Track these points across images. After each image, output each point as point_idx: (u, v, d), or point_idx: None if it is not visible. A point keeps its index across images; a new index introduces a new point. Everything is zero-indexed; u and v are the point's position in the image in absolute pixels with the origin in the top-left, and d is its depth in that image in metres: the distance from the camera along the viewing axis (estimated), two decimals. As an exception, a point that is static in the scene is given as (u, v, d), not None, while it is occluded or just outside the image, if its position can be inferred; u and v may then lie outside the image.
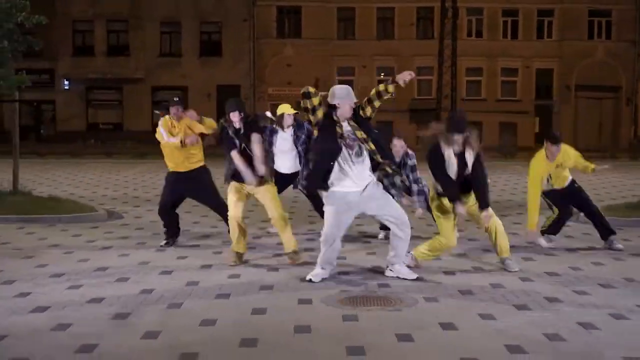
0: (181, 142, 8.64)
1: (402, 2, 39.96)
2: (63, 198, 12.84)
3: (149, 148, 31.87)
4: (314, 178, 7.02)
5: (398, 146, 8.81)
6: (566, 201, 9.15)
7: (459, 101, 37.30)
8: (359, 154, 6.84)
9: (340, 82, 38.96)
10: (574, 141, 38.65)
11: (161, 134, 8.81)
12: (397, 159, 8.59)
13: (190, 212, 11.67)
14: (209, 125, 8.84)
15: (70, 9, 38.81)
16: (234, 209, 7.81)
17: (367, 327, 5.50)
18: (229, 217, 7.93)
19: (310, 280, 6.94)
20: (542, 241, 9.04)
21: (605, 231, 9.10)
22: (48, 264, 7.81)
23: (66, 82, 39.62)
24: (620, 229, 10.11)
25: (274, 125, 9.48)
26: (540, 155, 8.77)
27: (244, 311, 5.93)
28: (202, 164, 9.01)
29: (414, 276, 7.04)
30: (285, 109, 9.48)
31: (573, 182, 9.12)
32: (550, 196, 9.12)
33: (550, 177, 8.87)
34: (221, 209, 8.69)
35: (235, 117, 7.72)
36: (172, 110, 8.80)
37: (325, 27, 39.94)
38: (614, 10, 40.63)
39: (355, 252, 8.52)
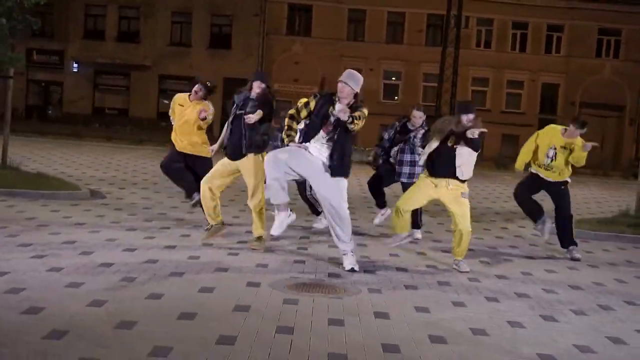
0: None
1: (413, 8, 40.17)
2: (50, 175, 13.12)
3: (150, 135, 32.53)
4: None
5: (417, 117, 9.52)
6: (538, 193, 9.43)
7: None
8: (331, 139, 7.25)
9: None
10: (574, 157, 38.92)
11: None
12: (413, 127, 9.50)
13: (172, 197, 11.97)
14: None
15: (84, -7, 39.27)
16: (211, 174, 8.16)
17: (304, 311, 5.78)
18: (201, 182, 8.19)
19: (272, 236, 7.94)
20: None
21: (568, 240, 9.33)
22: (19, 234, 8.11)
23: (75, 65, 39.96)
24: (585, 242, 10.42)
25: None
26: (557, 127, 9.33)
27: (191, 288, 6.23)
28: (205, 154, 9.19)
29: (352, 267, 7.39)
30: None
31: (565, 182, 9.25)
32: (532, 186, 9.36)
33: (555, 156, 9.03)
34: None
35: (256, 86, 8.01)
36: (195, 88, 9.07)
37: (336, 27, 40.19)
38: (623, 29, 40.75)
39: (317, 244, 8.80)
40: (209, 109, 8.85)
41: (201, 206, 8.45)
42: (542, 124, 42.04)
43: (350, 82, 7.25)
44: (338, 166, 7.21)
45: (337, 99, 7.22)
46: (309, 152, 7.32)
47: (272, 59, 40.40)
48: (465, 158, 7.66)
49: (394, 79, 41.17)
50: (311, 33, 40.51)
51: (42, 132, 26.94)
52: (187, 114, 9.01)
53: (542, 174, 9.22)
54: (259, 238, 8.16)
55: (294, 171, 7.30)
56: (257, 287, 6.41)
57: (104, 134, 29.23)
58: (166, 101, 40.66)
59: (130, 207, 10.88)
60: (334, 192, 7.28)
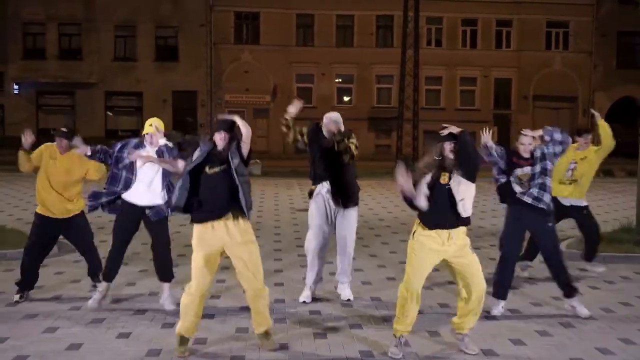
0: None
1: (361, 10, 39.61)
2: (8, 228, 11.98)
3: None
4: None
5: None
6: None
7: (419, 111, 37.04)
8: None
9: (299, 89, 39.40)
10: (532, 152, 38.89)
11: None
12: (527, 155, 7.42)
13: (146, 244, 10.98)
14: (98, 169, 8.02)
15: (21, 10, 37.68)
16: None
17: None
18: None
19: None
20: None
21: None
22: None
23: (16, 86, 38.37)
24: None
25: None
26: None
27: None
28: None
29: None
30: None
31: (587, 207, 9.30)
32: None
33: (576, 167, 9.00)
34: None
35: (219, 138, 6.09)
36: (57, 142, 7.89)
37: (284, 34, 39.41)
38: (571, 21, 40.92)
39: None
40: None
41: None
42: (497, 119, 42.37)
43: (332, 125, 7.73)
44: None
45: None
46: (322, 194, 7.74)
47: (221, 69, 39.40)
48: (463, 190, 5.98)
49: (340, 80, 40.48)
50: (260, 40, 39.68)
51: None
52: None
53: (563, 193, 9.07)
54: (266, 333, 6.32)
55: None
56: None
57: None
58: (110, 113, 39.47)
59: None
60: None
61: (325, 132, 7.80)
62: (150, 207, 7.38)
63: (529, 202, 7.30)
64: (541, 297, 8.21)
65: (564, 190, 9.10)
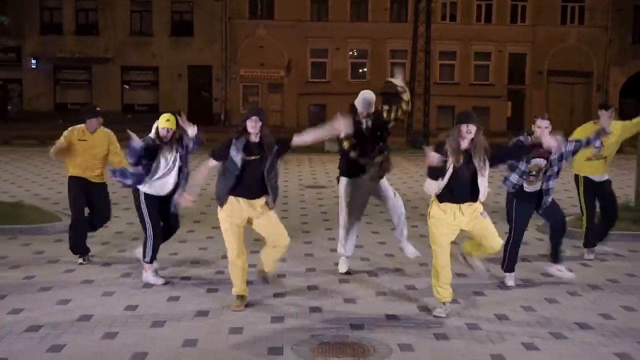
0: None
1: (376, -16, 39.56)
2: (26, 204, 12.37)
3: (117, 131, 31.44)
4: None
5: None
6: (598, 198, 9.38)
7: (432, 86, 37.14)
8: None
9: (314, 64, 39.60)
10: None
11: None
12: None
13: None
14: (117, 153, 8.78)
15: (38, -15, 37.98)
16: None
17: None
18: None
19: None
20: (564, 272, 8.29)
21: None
22: (7, 294, 7.49)
23: (33, 61, 38.83)
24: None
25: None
26: (589, 123, 9.09)
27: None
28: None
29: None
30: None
31: (608, 180, 9.44)
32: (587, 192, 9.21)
33: (602, 143, 8.70)
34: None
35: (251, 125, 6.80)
36: (89, 122, 8.62)
37: (298, 8, 39.46)
38: (587, -5, 40.66)
39: (330, 284, 8.31)
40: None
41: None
42: (511, 95, 42.27)
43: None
44: None
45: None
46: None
47: (236, 45, 39.60)
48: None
49: (354, 53, 40.55)
50: (274, 15, 39.76)
51: (5, 139, 25.84)
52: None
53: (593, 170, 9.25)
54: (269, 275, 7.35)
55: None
56: (281, 356, 5.89)
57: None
58: (127, 87, 39.88)
59: (117, 238, 10.29)
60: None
61: (362, 108, 8.04)
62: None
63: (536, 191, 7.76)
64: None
65: (595, 167, 9.27)
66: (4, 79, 39.31)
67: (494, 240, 6.94)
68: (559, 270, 8.13)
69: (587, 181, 9.31)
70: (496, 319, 6.89)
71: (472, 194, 6.72)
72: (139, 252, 8.11)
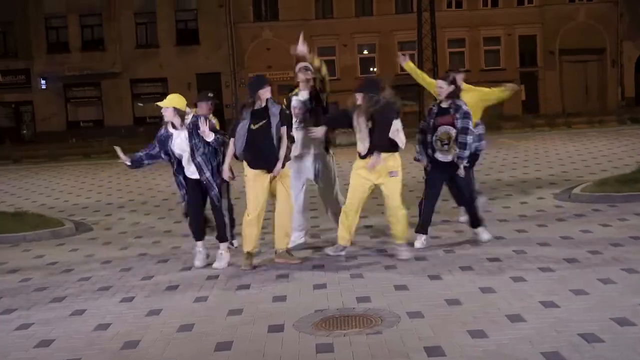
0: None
1: (379, -23, 39.21)
2: (29, 212, 12.17)
3: (129, 144, 31.30)
4: None
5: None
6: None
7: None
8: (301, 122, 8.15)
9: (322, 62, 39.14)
10: (561, 106, 38.29)
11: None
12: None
13: (163, 219, 11.16)
14: None
15: (42, 5, 37.93)
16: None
17: (342, 358, 4.93)
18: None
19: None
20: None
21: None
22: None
23: (43, 81, 38.80)
24: (614, 206, 9.73)
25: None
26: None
27: (204, 347, 5.36)
28: None
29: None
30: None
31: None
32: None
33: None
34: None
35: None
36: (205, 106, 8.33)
37: (303, 8, 39.17)
38: (595, -29, 40.04)
39: (335, 259, 7.94)
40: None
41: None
42: (524, 77, 41.61)
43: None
44: None
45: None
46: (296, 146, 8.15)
47: (243, 49, 39.39)
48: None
49: (366, 52, 40.26)
50: (279, 16, 39.50)
51: (15, 158, 25.73)
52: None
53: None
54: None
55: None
56: (282, 333, 5.54)
57: (80, 151, 27.81)
58: (140, 104, 39.86)
59: (121, 239, 10.01)
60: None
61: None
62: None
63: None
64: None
65: None
66: (15, 102, 39.28)
67: (395, 201, 7.54)
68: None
69: None
70: (512, 281, 6.50)
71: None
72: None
